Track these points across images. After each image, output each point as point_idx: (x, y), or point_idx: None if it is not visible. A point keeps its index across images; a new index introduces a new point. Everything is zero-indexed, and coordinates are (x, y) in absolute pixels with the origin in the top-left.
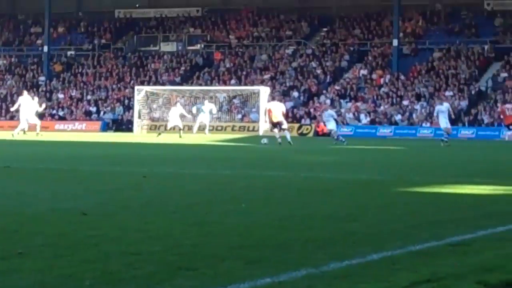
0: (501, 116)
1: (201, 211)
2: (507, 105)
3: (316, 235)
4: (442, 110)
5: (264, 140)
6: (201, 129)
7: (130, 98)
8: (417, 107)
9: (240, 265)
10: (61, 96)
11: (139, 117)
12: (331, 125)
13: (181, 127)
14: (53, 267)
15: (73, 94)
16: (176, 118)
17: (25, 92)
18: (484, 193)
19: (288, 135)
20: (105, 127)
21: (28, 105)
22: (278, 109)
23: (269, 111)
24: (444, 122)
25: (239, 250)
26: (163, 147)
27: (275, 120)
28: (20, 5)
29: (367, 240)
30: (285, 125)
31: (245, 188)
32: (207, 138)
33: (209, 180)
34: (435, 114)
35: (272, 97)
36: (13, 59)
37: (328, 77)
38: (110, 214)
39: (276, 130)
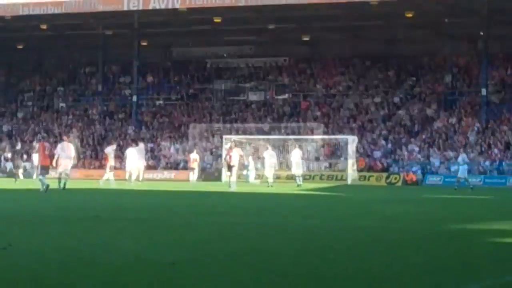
0: None
1: (287, 262)
2: None
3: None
4: None
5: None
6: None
7: (218, 148)
8: (507, 155)
9: None
10: (150, 145)
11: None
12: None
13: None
14: None
15: (162, 143)
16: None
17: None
18: None
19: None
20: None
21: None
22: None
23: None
24: None
25: None
26: (250, 196)
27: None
28: (110, 54)
29: None
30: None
31: (332, 239)
32: (297, 188)
33: (296, 230)
34: None
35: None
36: (103, 108)
37: (416, 125)
38: (199, 265)
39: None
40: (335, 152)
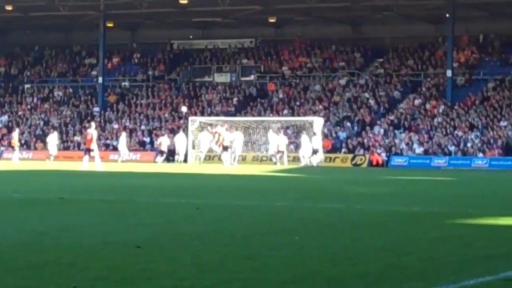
0: None
1: (254, 244)
2: None
3: (369, 269)
4: None
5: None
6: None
7: (184, 129)
8: (471, 137)
9: None
10: (115, 126)
11: (193, 147)
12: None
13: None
14: None
15: (127, 124)
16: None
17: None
18: None
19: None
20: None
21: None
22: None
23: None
24: None
25: (291, 284)
26: (217, 177)
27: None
28: (75, 36)
29: (420, 274)
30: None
31: (298, 221)
32: (260, 169)
33: (262, 212)
34: None
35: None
36: (68, 90)
37: (382, 107)
38: (164, 247)
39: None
40: (300, 134)
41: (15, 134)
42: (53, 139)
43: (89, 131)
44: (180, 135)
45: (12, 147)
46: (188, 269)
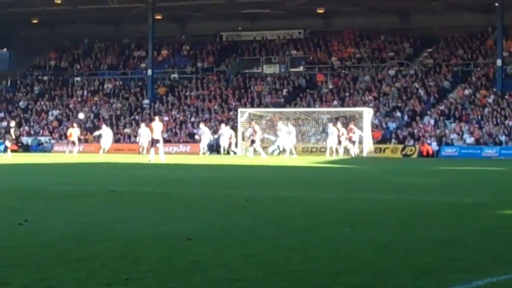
0: None
1: (304, 236)
2: None
3: (419, 260)
4: None
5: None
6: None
7: (234, 120)
8: None
9: None
10: (165, 118)
11: (243, 139)
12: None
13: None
14: None
15: (176, 116)
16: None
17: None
18: None
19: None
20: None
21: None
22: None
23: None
24: None
25: (342, 276)
26: (266, 169)
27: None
28: (124, 29)
29: (471, 265)
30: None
31: (348, 212)
32: (309, 160)
33: (312, 203)
34: None
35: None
36: (118, 83)
37: (432, 97)
38: (214, 239)
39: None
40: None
41: (76, 130)
42: (107, 132)
43: (153, 124)
44: (225, 128)
45: (73, 143)
46: (239, 261)
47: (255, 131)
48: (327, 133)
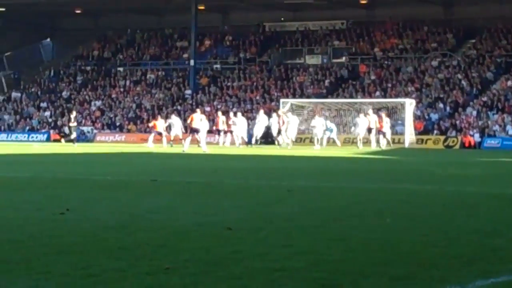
0: None
1: (345, 226)
2: None
3: (462, 251)
4: None
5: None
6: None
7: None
8: None
9: (385, 282)
10: (207, 109)
11: (285, 130)
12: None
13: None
14: (198, 283)
15: (219, 107)
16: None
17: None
18: None
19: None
20: (250, 139)
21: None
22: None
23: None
24: None
25: (383, 266)
26: (308, 160)
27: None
28: (166, 19)
29: None
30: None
31: (390, 202)
32: (351, 151)
33: (353, 193)
34: None
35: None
36: (160, 73)
37: (474, 88)
38: (255, 229)
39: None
40: (392, 115)
41: (161, 121)
42: (177, 122)
43: (194, 115)
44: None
45: (160, 133)
46: (279, 251)
47: (283, 121)
48: (356, 123)
